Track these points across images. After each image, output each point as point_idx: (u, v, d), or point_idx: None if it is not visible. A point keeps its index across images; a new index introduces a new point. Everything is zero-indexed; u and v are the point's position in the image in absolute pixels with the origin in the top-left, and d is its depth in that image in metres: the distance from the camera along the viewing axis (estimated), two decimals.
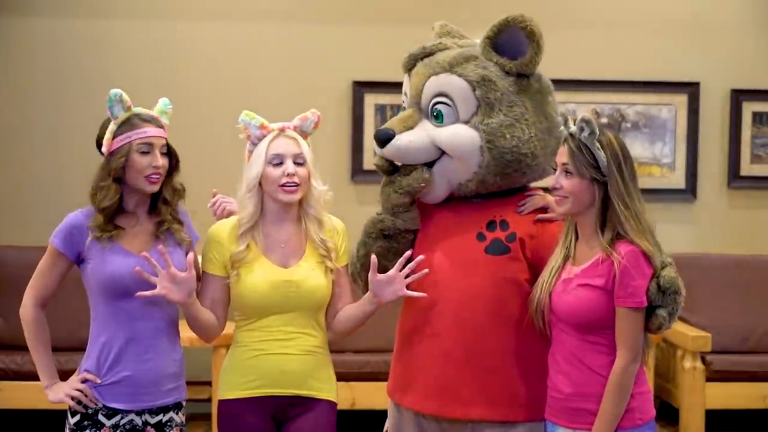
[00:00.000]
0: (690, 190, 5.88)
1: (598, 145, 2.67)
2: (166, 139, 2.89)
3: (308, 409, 2.88)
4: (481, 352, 2.85)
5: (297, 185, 2.86)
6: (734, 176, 5.90)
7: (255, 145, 2.91)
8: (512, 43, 2.93)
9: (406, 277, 2.83)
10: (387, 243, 2.95)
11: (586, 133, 2.67)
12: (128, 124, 2.84)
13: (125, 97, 2.85)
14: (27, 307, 2.89)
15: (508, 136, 2.85)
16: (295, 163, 2.87)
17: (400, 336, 3.03)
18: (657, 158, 5.85)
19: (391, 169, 2.98)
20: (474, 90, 2.89)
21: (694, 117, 5.85)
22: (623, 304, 2.63)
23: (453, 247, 2.92)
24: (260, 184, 2.89)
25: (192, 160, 5.46)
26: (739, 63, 5.88)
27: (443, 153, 2.91)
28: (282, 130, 2.92)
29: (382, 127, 2.96)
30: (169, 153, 2.90)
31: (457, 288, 2.87)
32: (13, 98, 5.68)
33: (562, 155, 2.72)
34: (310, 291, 2.87)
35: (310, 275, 2.88)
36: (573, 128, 2.72)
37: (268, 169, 2.86)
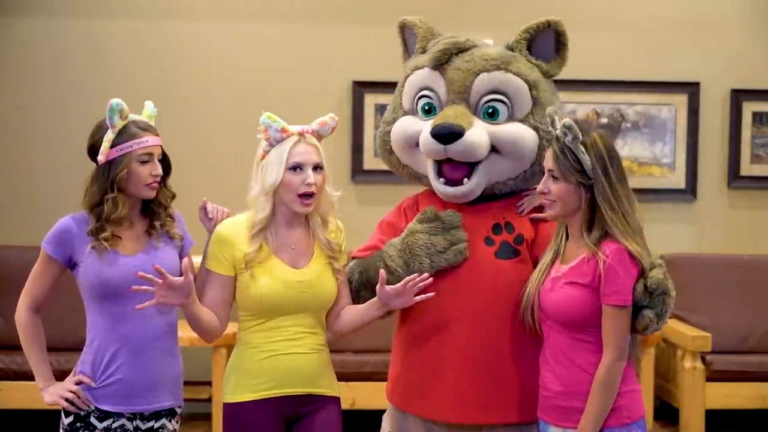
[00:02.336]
0: (690, 190, 5.88)
1: (582, 148, 2.65)
2: (161, 147, 2.88)
3: (318, 407, 2.89)
4: (497, 357, 2.86)
5: (313, 194, 2.85)
6: (734, 176, 5.90)
7: (272, 146, 2.86)
8: (543, 45, 2.98)
9: (415, 294, 2.83)
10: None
11: (569, 138, 2.66)
12: (127, 133, 2.81)
13: (125, 106, 2.82)
14: (21, 312, 2.89)
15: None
16: (314, 169, 2.85)
17: (408, 344, 2.99)
18: (657, 158, 5.84)
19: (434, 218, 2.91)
20: (531, 89, 2.92)
21: (694, 117, 5.85)
22: (608, 301, 2.64)
23: None
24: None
25: (190, 159, 5.51)
26: (739, 63, 5.87)
27: (491, 151, 2.90)
28: (302, 135, 2.88)
29: (444, 122, 2.87)
30: (163, 159, 2.89)
31: (471, 295, 2.86)
32: (12, 98, 5.68)
33: (548, 159, 2.72)
34: (320, 292, 2.88)
35: (320, 277, 2.89)
36: (556, 131, 2.71)
37: (287, 175, 2.83)
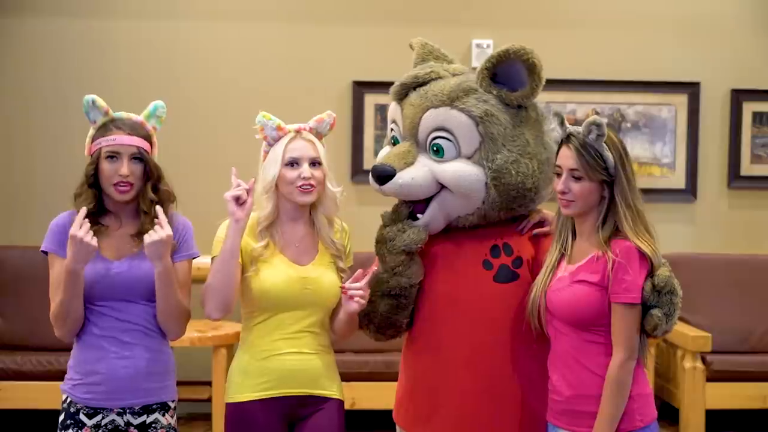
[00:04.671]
0: (690, 190, 5.88)
1: (605, 146, 2.66)
2: (138, 147, 2.84)
3: (319, 409, 2.90)
4: (500, 380, 2.85)
5: (312, 187, 2.87)
6: (734, 176, 5.90)
7: (271, 146, 2.91)
8: (511, 74, 2.85)
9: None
10: (394, 300, 2.90)
11: (594, 135, 2.65)
12: (102, 129, 2.84)
13: (100, 102, 2.85)
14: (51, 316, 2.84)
15: (513, 172, 2.81)
16: (311, 165, 2.88)
17: (410, 368, 2.99)
18: (657, 158, 5.85)
19: (394, 219, 2.91)
20: (477, 125, 2.83)
21: (694, 117, 5.85)
22: (617, 299, 2.62)
23: (460, 279, 2.89)
24: (276, 185, 2.90)
25: (190, 159, 5.51)
26: (739, 63, 5.88)
27: (443, 187, 2.86)
28: (298, 132, 2.92)
29: (380, 163, 2.90)
30: (145, 161, 2.85)
31: (470, 322, 2.85)
32: (14, 98, 5.68)
33: (567, 159, 2.68)
34: (325, 289, 2.89)
35: (324, 273, 2.91)
36: (571, 128, 2.70)
37: (284, 170, 2.87)
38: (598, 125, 2.64)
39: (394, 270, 2.87)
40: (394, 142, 3.00)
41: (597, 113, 5.78)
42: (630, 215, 2.66)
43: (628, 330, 2.63)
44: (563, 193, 2.69)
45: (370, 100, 5.71)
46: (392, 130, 3.02)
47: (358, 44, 5.72)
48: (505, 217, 2.92)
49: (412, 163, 2.87)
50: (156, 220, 2.76)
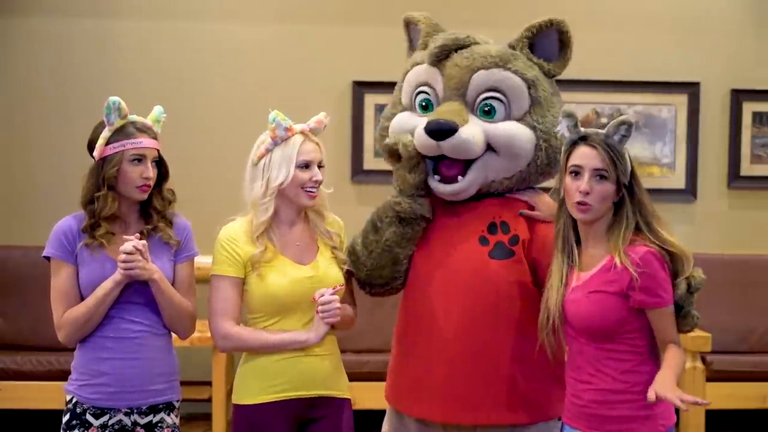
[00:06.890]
0: (690, 190, 5.88)
1: (626, 148, 2.65)
2: (158, 150, 2.87)
3: (329, 409, 2.90)
4: (486, 356, 2.84)
5: (317, 189, 2.90)
6: (734, 176, 5.90)
7: (276, 145, 2.87)
8: (546, 45, 2.95)
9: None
10: (401, 228, 2.92)
11: (619, 136, 2.63)
12: (123, 132, 2.83)
13: (123, 105, 2.84)
14: (58, 322, 2.85)
15: (558, 135, 2.85)
16: (318, 167, 2.90)
17: (401, 342, 3.01)
18: (657, 158, 5.85)
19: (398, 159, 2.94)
20: (529, 88, 2.89)
21: (694, 117, 5.85)
22: (660, 305, 2.60)
23: (456, 252, 2.89)
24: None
25: (190, 160, 5.51)
26: (739, 63, 5.87)
27: (487, 149, 2.88)
28: (304, 134, 2.91)
29: (438, 118, 2.87)
30: (160, 163, 2.89)
31: (462, 294, 2.85)
32: (15, 98, 5.68)
33: (591, 159, 2.62)
34: (332, 285, 2.87)
35: (328, 270, 2.90)
36: (589, 130, 2.67)
37: (296, 172, 2.86)
38: (629, 125, 2.62)
39: (410, 192, 2.90)
40: (427, 105, 2.98)
41: (597, 113, 5.78)
42: (649, 215, 2.64)
43: (674, 325, 2.63)
44: (586, 193, 2.61)
45: (370, 100, 5.71)
46: (423, 93, 2.99)
47: (358, 44, 5.72)
48: (539, 182, 2.98)
49: (467, 122, 2.88)
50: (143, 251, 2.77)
